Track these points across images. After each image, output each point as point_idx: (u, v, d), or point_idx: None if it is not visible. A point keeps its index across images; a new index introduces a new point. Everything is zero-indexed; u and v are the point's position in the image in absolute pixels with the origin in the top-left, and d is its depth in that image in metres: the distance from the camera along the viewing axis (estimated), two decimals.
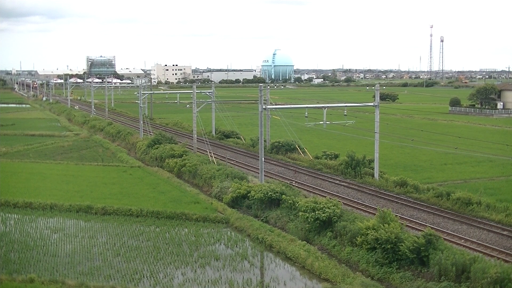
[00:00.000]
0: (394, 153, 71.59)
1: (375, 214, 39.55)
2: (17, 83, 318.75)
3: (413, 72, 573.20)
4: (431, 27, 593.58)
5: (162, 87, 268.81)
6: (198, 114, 74.94)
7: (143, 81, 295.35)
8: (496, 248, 35.00)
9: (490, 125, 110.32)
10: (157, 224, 43.02)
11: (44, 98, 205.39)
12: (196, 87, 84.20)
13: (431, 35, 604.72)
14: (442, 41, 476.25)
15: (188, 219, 43.95)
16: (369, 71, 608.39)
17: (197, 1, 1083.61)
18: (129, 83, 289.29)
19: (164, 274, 33.04)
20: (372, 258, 33.83)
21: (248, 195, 46.97)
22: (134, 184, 55.96)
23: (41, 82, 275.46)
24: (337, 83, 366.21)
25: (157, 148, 71.16)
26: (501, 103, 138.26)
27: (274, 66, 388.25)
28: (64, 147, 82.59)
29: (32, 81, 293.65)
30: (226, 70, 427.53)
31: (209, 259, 35.43)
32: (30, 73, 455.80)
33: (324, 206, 39.23)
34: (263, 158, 51.31)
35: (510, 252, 34.30)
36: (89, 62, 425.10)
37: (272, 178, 55.11)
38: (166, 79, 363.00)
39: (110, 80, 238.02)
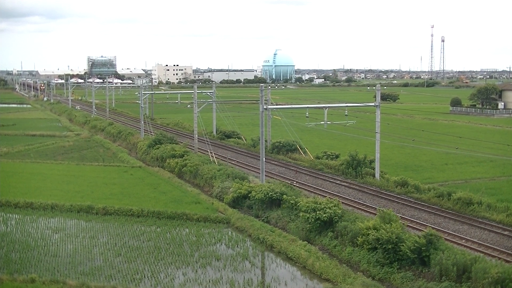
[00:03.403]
0: (395, 153, 71.57)
1: (376, 214, 39.55)
2: (18, 84, 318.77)
3: (414, 72, 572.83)
4: (432, 27, 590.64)
5: (163, 87, 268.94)
6: (199, 114, 74.97)
7: (144, 81, 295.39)
8: (497, 248, 34.97)
9: (491, 125, 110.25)
10: (158, 224, 43.04)
11: (45, 98, 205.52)
12: (197, 87, 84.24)
13: (432, 35, 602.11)
14: (443, 41, 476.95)
15: (189, 219, 43.97)
16: (370, 71, 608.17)
17: (197, 1, 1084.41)
18: (130, 83, 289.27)
19: (165, 274, 33.06)
20: (373, 258, 33.83)
21: (249, 195, 46.99)
22: (135, 184, 55.98)
23: (42, 82, 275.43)
24: (338, 83, 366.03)
25: (158, 148, 71.18)
26: (502, 103, 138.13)
27: (275, 66, 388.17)
28: (65, 147, 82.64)
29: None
30: (227, 70, 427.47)
31: (210, 259, 35.44)
32: (31, 73, 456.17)
33: (325, 206, 39.24)
34: (264, 158, 51.30)
35: (511, 252, 34.26)
36: (90, 62, 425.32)
37: (273, 178, 55.11)
38: (167, 79, 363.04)
39: (111, 80, 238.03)
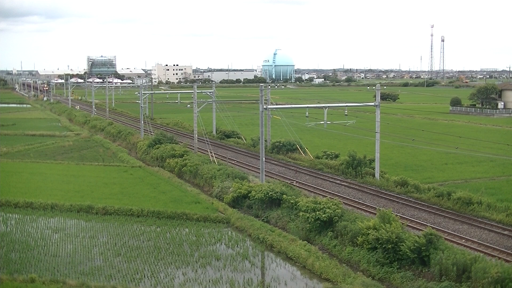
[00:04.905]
0: (395, 153, 71.56)
1: (376, 214, 39.54)
2: (17, 84, 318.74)
3: (413, 72, 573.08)
4: (432, 26, 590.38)
5: (163, 87, 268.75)
6: (199, 114, 74.94)
7: (144, 81, 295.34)
8: (497, 248, 34.97)
9: (491, 124, 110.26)
10: (158, 224, 43.04)
11: (44, 98, 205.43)
12: (197, 87, 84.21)
13: (431, 35, 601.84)
14: (442, 40, 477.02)
15: (189, 219, 43.97)
16: (370, 71, 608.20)
17: (197, 1, 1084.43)
18: (129, 83, 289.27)
19: (165, 274, 33.06)
20: (373, 258, 33.83)
21: (249, 195, 46.98)
22: (135, 184, 55.97)
23: (43, 82, 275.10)
24: (337, 83, 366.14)
25: (157, 148, 71.18)
26: (502, 103, 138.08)
27: (275, 66, 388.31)
28: (65, 147, 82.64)
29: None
30: (226, 70, 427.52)
31: (210, 259, 35.44)
32: (31, 73, 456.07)
33: (324, 206, 39.23)
34: (263, 158, 51.30)
35: (511, 252, 34.26)
36: (90, 62, 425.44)
37: (273, 178, 55.10)
38: (167, 79, 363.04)
39: (110, 80, 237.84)
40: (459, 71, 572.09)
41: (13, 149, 78.95)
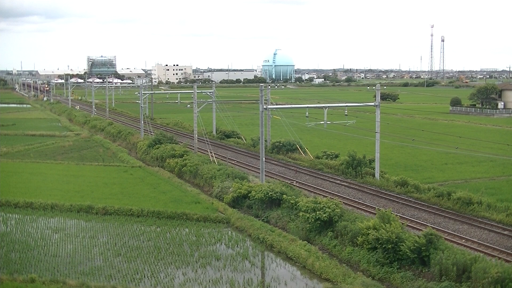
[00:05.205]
0: (395, 153, 71.56)
1: (375, 214, 39.53)
2: (17, 84, 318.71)
3: (413, 72, 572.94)
4: (432, 26, 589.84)
5: (163, 87, 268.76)
6: (199, 114, 74.94)
7: (144, 81, 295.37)
8: (497, 248, 34.97)
9: (491, 125, 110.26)
10: (158, 224, 43.04)
11: (44, 98, 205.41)
12: (197, 87, 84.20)
13: (431, 35, 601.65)
14: (442, 40, 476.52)
15: (189, 219, 43.97)
16: (370, 71, 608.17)
17: (197, 1, 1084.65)
18: (130, 83, 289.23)
19: (165, 274, 33.06)
20: (373, 258, 33.83)
21: (249, 195, 46.98)
22: (135, 184, 55.98)
23: (44, 82, 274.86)
24: (337, 83, 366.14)
25: (157, 148, 71.18)
26: (502, 103, 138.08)
27: (275, 66, 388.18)
28: (65, 147, 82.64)
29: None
30: (226, 70, 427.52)
31: (210, 259, 35.44)
32: (31, 73, 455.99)
33: (324, 206, 39.22)
34: (263, 158, 51.29)
35: (511, 252, 34.26)
36: (90, 62, 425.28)
37: (273, 178, 55.10)
38: (167, 79, 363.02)
39: (110, 80, 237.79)
40: (459, 71, 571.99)
41: (13, 149, 78.96)
